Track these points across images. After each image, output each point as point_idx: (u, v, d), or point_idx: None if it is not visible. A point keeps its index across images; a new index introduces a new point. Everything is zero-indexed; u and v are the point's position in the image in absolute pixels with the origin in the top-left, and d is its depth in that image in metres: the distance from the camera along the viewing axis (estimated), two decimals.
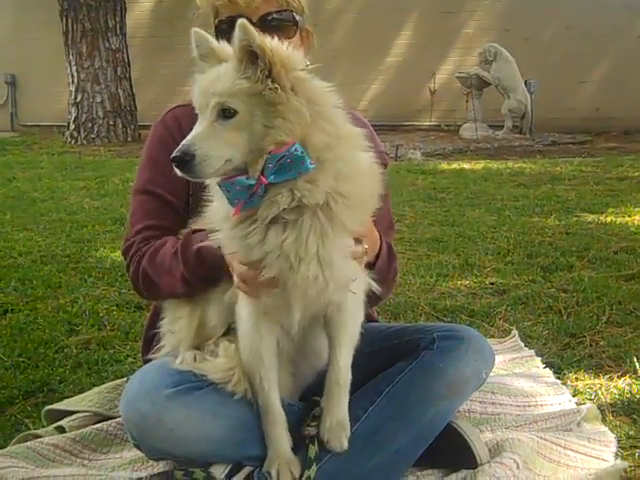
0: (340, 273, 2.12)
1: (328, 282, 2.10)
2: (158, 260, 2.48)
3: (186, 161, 1.94)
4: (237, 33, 1.94)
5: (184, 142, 1.96)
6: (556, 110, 13.86)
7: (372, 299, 2.41)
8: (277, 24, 2.51)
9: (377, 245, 2.43)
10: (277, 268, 2.06)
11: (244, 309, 2.25)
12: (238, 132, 1.97)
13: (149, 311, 2.88)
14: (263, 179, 1.97)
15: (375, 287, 2.36)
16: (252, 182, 1.98)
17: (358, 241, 2.19)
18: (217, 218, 2.18)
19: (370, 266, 2.39)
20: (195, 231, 2.42)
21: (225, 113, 1.97)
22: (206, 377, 2.25)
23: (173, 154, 1.95)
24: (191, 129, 2.04)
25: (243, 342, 2.27)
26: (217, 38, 2.52)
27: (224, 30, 2.51)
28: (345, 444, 2.28)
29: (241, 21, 1.93)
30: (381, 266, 2.45)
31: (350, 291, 2.22)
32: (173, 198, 2.59)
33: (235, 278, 2.20)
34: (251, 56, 1.95)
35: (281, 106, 1.95)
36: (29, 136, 14.19)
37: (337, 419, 2.29)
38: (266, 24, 2.48)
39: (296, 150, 1.94)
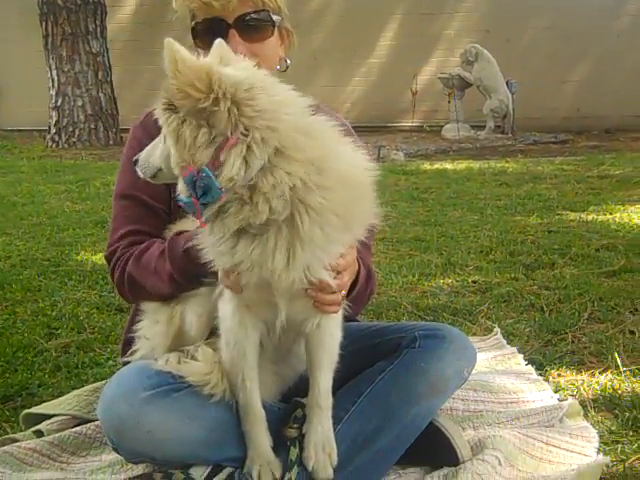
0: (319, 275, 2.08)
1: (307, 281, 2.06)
2: (143, 262, 2.46)
3: (134, 162, 2.18)
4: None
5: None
6: (537, 110, 13.95)
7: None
8: (254, 24, 2.50)
9: (355, 273, 2.32)
10: (252, 275, 2.02)
11: (228, 304, 2.21)
12: (165, 146, 2.02)
13: (129, 313, 2.85)
14: (194, 199, 1.93)
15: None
16: (188, 200, 1.96)
17: (338, 273, 2.12)
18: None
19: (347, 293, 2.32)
20: (181, 232, 2.40)
21: None
22: (184, 379, 2.23)
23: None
24: None
25: (227, 337, 2.23)
26: (194, 40, 2.53)
27: (200, 32, 2.51)
28: (331, 473, 2.25)
29: (166, 40, 1.86)
30: (358, 291, 2.40)
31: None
32: (155, 202, 2.56)
33: (220, 272, 2.17)
34: None
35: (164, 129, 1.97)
36: (9, 140, 14.07)
37: (322, 444, 2.25)
38: (242, 25, 2.47)
39: (204, 175, 1.88)
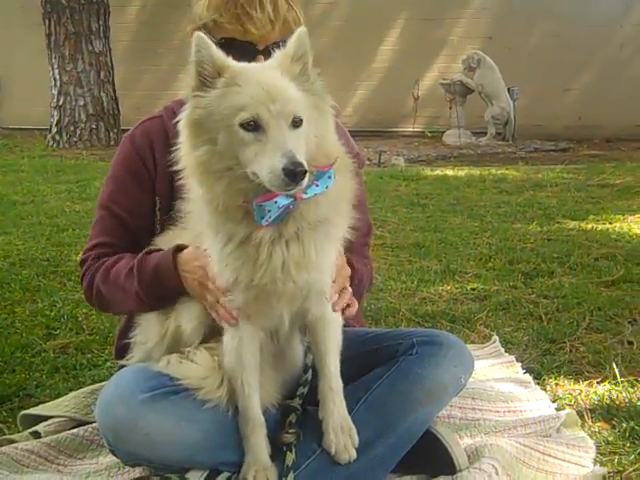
0: (324, 277, 2.18)
1: (312, 286, 2.15)
2: (111, 277, 2.50)
3: (303, 174, 1.87)
4: (294, 41, 2.04)
5: (288, 153, 1.87)
6: (539, 117, 13.94)
7: None
8: None
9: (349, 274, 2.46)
10: (273, 280, 2.07)
11: None
12: (302, 142, 1.98)
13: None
14: (301, 195, 1.96)
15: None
16: (290, 200, 1.98)
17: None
18: (211, 241, 2.17)
19: None
20: (150, 251, 2.43)
21: (295, 122, 1.96)
22: (180, 381, 2.24)
23: (292, 167, 1.85)
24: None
25: (225, 346, 2.27)
26: None
27: (225, 49, 2.48)
28: (353, 454, 2.29)
29: (301, 29, 2.05)
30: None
31: (325, 298, 2.27)
32: (131, 218, 2.60)
33: (210, 299, 2.21)
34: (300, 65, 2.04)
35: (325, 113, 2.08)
36: (11, 139, 14.07)
37: (340, 425, 2.29)
38: (271, 53, 2.47)
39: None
